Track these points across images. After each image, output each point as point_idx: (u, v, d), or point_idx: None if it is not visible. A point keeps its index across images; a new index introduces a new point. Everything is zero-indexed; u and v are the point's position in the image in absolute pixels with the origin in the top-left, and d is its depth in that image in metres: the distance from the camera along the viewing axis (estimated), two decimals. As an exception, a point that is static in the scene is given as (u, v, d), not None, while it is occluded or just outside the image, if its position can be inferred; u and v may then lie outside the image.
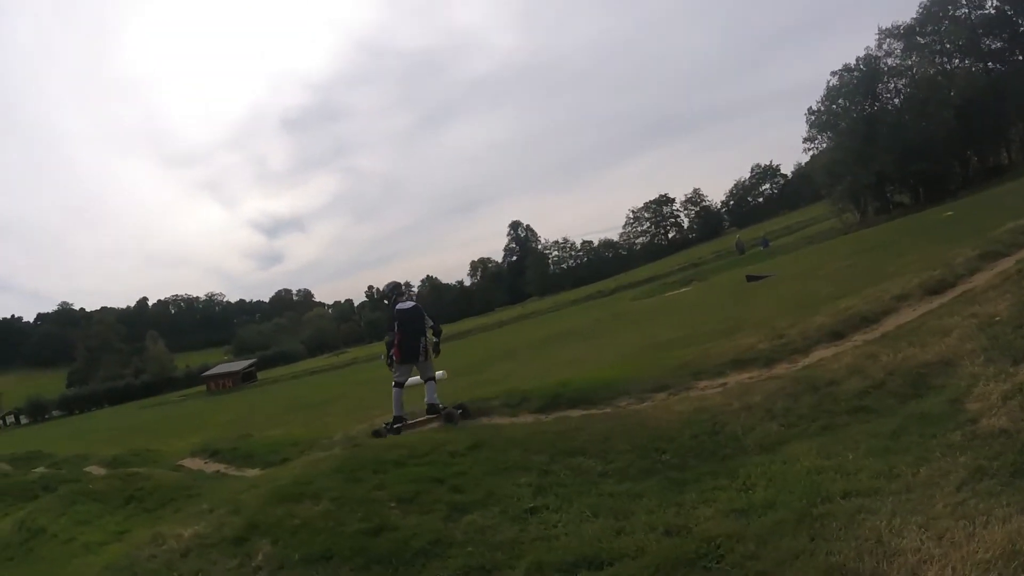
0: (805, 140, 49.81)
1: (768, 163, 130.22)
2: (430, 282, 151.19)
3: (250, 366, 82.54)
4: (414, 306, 8.56)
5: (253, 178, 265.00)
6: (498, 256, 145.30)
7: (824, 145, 49.10)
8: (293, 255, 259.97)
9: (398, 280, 9.41)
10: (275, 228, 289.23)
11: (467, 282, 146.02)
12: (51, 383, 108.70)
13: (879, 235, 28.30)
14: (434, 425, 8.27)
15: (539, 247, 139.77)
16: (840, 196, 48.21)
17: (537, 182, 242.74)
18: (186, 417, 37.30)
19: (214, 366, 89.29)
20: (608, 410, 7.84)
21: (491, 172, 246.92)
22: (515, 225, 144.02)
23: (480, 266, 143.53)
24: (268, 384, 66.30)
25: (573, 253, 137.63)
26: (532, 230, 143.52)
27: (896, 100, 45.32)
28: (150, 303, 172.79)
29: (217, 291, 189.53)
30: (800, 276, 22.04)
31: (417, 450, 6.51)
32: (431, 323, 8.57)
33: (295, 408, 25.67)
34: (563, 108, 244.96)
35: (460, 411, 8.55)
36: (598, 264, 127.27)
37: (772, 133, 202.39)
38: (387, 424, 8.45)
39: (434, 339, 8.61)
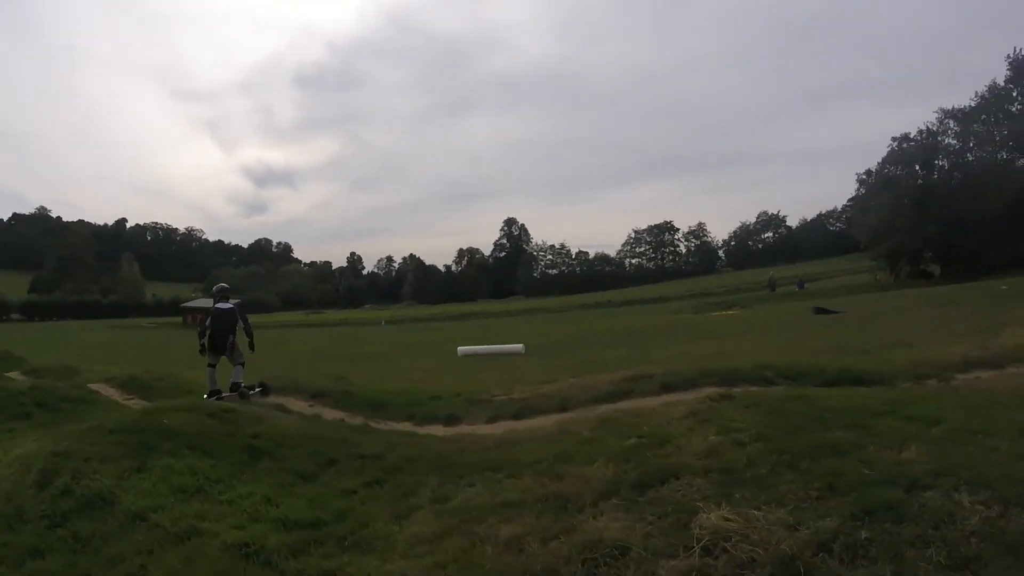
0: (852, 199, 51.85)
1: (775, 212, 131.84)
2: (413, 261, 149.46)
3: (237, 304, 78.42)
4: (230, 308, 10.09)
5: (255, 126, 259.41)
6: (487, 250, 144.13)
7: (871, 203, 49.79)
8: (278, 209, 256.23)
9: (223, 286, 10.76)
10: (265, 178, 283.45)
11: (451, 269, 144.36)
12: (13, 286, 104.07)
13: (939, 295, 28.03)
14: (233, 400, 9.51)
15: (530, 249, 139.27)
16: (882, 254, 48.98)
17: (539, 189, 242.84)
18: (169, 346, 35.44)
19: (189, 300, 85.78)
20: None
21: (496, 169, 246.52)
22: (510, 222, 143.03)
23: (467, 255, 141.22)
24: None
25: (567, 260, 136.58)
26: (526, 230, 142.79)
27: (951, 177, 46.32)
28: (128, 225, 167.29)
29: (197, 227, 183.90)
30: (870, 318, 21.57)
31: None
32: (243, 324, 10.04)
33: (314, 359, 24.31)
34: (581, 123, 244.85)
35: (260, 389, 10.29)
36: (589, 276, 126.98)
37: (782, 185, 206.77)
38: (206, 395, 9.73)
39: (248, 338, 10.18)
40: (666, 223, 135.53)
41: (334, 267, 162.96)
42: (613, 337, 24.23)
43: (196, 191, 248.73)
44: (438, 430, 8.24)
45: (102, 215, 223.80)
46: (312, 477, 5.91)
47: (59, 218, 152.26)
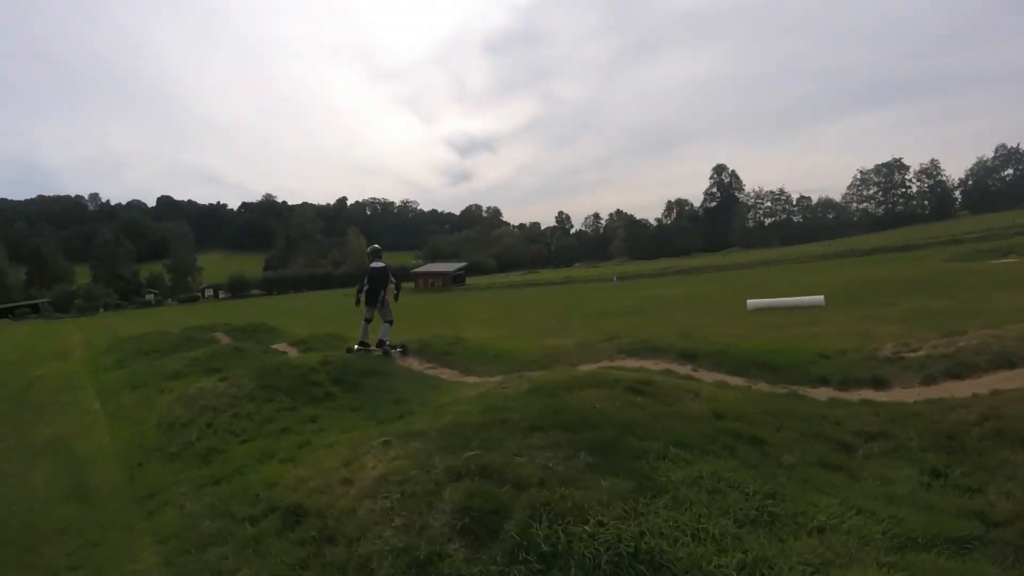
0: None
1: (1015, 146, 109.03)
2: (621, 217, 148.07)
3: (460, 269, 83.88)
4: (383, 267, 11.46)
5: (452, 97, 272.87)
6: (696, 200, 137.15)
7: None
8: (482, 175, 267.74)
9: (376, 248, 11.86)
10: (468, 147, 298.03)
11: (661, 222, 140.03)
12: (249, 265, 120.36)
13: None
14: (378, 353, 11.20)
15: (743, 196, 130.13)
16: None
17: (743, 129, 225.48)
18: (429, 309, 38.18)
19: (416, 266, 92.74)
20: None
21: (693, 112, 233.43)
22: (719, 169, 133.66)
23: (676, 207, 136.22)
24: (477, 290, 66.46)
25: (786, 207, 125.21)
26: (737, 176, 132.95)
27: None
28: (348, 203, 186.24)
29: (411, 199, 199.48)
30: None
31: None
32: (393, 280, 11.50)
33: (584, 315, 24.57)
34: (779, 53, 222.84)
35: (401, 349, 11.74)
36: (812, 225, 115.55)
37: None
38: (352, 347, 11.61)
39: (395, 291, 11.59)
40: (895, 161, 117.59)
41: (543, 227, 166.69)
42: (914, 286, 21.34)
43: (405, 165, 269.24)
44: (873, 394, 7.14)
45: (323, 196, 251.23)
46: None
47: (284, 202, 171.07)
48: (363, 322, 11.45)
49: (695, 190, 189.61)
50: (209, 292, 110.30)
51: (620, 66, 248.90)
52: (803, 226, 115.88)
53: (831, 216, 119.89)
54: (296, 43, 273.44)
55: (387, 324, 11.34)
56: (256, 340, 19.23)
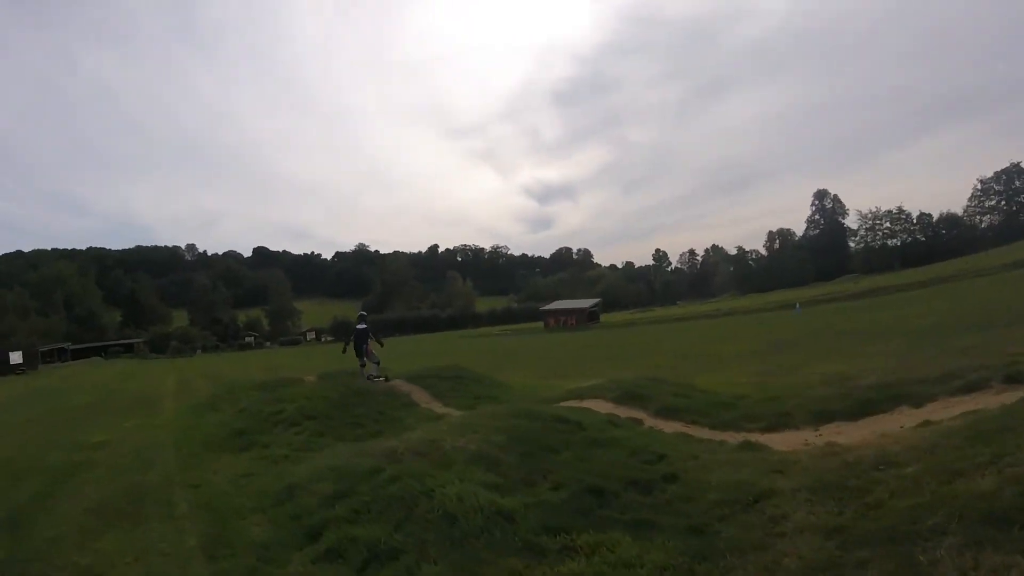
0: None
1: None
2: (716, 251, 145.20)
3: (595, 305, 77.03)
4: (364, 328, 15.59)
5: (526, 148, 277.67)
6: (792, 229, 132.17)
7: None
8: (562, 221, 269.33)
9: (362, 314, 16.64)
10: (546, 194, 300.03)
11: (749, 255, 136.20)
12: (346, 311, 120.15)
13: None
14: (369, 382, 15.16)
15: (847, 221, 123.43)
16: None
17: (823, 157, 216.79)
18: (589, 348, 36.74)
19: (547, 304, 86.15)
20: None
21: (768, 145, 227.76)
22: (820, 194, 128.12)
23: (778, 237, 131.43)
24: (616, 328, 59.84)
25: (907, 226, 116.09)
26: (839, 200, 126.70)
27: None
28: (440, 250, 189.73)
29: (501, 244, 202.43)
30: None
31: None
32: (372, 336, 15.67)
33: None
34: (845, 78, 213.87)
35: (384, 379, 15.38)
36: (934, 243, 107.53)
37: None
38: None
39: (378, 343, 16.00)
40: (1013, 166, 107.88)
41: (636, 266, 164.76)
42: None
43: (485, 215, 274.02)
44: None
45: (410, 246, 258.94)
46: None
47: (376, 251, 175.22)
48: (360, 368, 15.60)
49: (783, 221, 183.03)
50: (311, 335, 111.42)
51: (688, 106, 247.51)
52: (926, 244, 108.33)
53: (955, 232, 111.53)
54: (375, 108, 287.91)
55: (375, 364, 15.45)
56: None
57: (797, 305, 52.28)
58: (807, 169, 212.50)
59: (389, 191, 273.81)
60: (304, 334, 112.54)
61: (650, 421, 8.82)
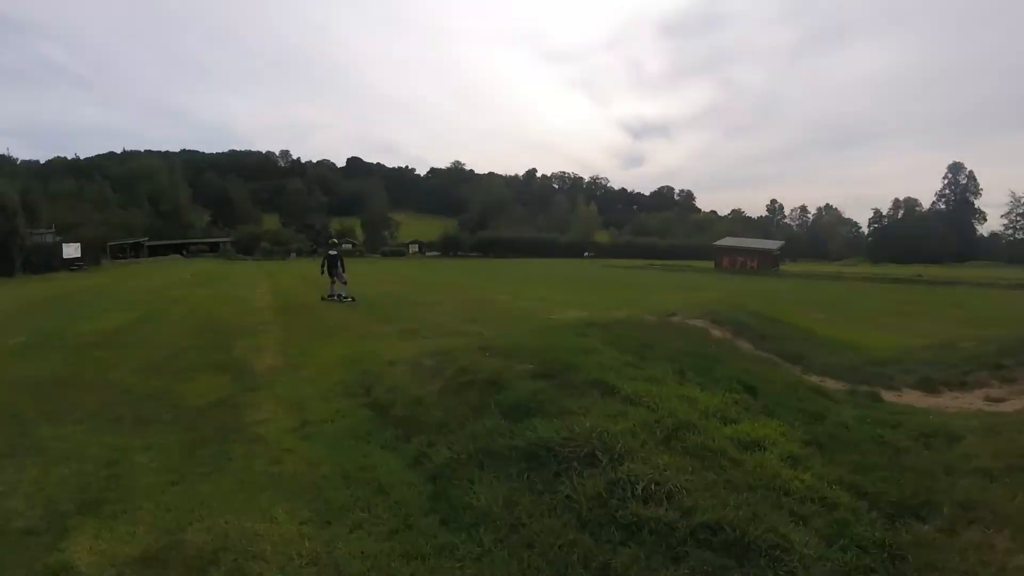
0: None
1: None
2: (830, 212, 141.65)
3: (780, 248, 66.28)
4: (336, 255, 18.77)
5: (626, 80, 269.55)
6: (885, 202, 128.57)
7: None
8: (654, 159, 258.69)
9: (333, 240, 27.01)
10: (642, 130, 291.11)
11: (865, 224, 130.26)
12: (438, 227, 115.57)
13: None
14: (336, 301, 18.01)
15: (978, 201, 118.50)
16: None
17: (948, 126, 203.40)
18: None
19: (720, 240, 72.38)
20: None
21: (887, 106, 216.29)
22: (955, 168, 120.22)
23: (903, 206, 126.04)
24: (796, 277, 47.08)
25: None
26: (974, 178, 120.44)
27: None
28: (537, 175, 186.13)
29: (601, 175, 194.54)
30: None
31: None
32: (340, 263, 18.43)
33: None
34: (990, 37, 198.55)
35: (351, 299, 18.10)
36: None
37: None
38: (323, 297, 18.62)
39: (342, 271, 18.32)
40: None
41: (745, 215, 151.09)
42: None
43: (577, 146, 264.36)
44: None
45: (503, 168, 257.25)
46: None
47: (471, 170, 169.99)
48: (330, 285, 18.51)
49: (893, 190, 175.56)
50: (414, 247, 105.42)
51: (806, 52, 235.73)
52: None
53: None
54: (473, 28, 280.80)
55: (343, 284, 18.34)
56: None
57: None
58: (926, 138, 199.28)
59: (483, 113, 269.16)
60: (407, 246, 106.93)
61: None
